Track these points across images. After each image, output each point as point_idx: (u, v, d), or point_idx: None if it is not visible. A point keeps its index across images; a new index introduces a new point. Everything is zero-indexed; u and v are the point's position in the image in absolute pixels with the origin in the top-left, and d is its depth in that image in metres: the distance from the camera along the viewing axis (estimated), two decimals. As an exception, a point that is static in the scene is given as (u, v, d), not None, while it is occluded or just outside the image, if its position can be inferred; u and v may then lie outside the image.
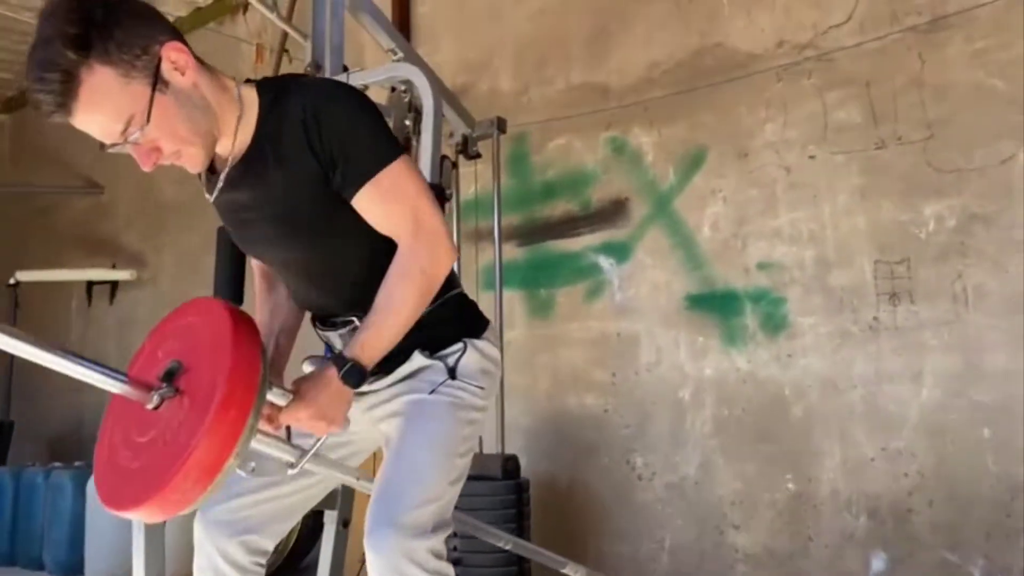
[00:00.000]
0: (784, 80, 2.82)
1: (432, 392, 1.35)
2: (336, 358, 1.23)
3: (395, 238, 1.29)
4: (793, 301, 2.74)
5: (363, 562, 2.67)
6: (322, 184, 1.28)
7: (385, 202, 1.27)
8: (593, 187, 3.23)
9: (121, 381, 1.13)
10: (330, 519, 2.27)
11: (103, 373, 1.13)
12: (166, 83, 1.19)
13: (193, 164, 1.26)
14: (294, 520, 1.56)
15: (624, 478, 3.02)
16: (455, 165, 3.02)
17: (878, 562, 2.50)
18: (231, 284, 2.70)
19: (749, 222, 2.85)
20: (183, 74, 1.20)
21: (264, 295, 1.52)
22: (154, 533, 1.92)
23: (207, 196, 1.37)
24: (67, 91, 1.13)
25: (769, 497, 2.71)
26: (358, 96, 1.30)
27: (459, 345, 1.41)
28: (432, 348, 1.40)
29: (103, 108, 1.15)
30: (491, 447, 3.08)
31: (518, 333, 3.32)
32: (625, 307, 3.08)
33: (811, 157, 2.75)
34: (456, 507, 2.62)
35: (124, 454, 1.18)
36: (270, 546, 1.51)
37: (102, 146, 1.22)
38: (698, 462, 2.82)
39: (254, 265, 1.54)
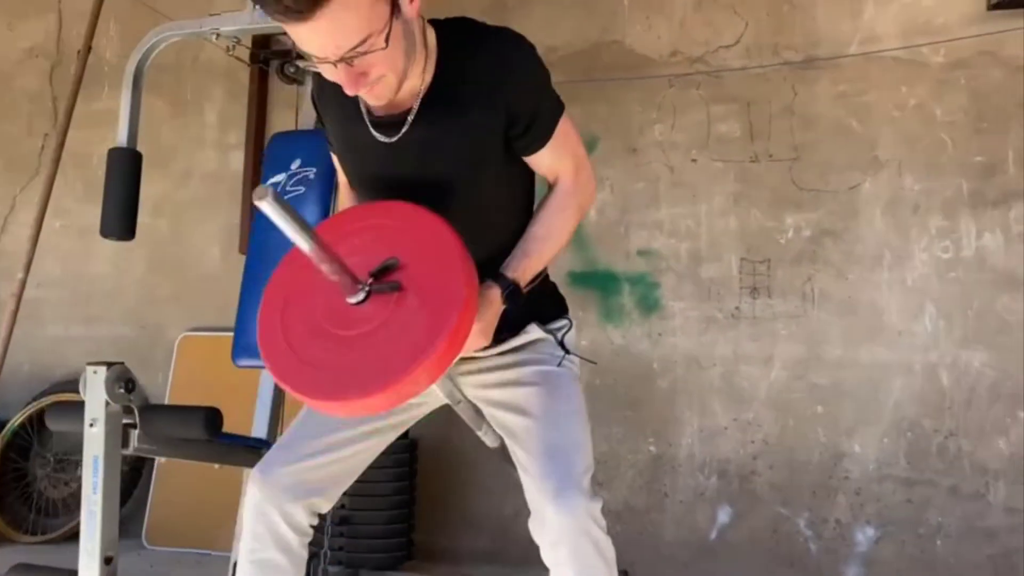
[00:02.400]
0: (675, 87, 3.12)
1: (559, 364, 1.42)
2: (499, 278, 1.30)
3: (556, 177, 1.40)
4: (667, 287, 3.07)
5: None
6: (498, 136, 1.32)
7: (557, 150, 1.37)
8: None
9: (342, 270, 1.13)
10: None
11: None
12: (399, 10, 1.17)
13: (385, 95, 1.26)
14: (351, 482, 1.54)
15: (494, 439, 3.17)
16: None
17: (723, 516, 2.93)
18: (124, 210, 2.42)
19: (633, 212, 3.13)
20: (411, 3, 1.18)
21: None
22: (111, 493, 1.73)
23: (374, 136, 1.32)
24: None
25: (632, 458, 3.04)
26: (534, 49, 1.34)
27: (565, 321, 1.50)
28: (544, 321, 1.47)
29: (347, 20, 1.12)
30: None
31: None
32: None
33: (693, 160, 3.09)
34: None
35: (321, 347, 1.17)
36: (327, 508, 1.49)
37: (297, 57, 1.19)
38: (567, 426, 3.06)
39: (343, 186, 1.57)
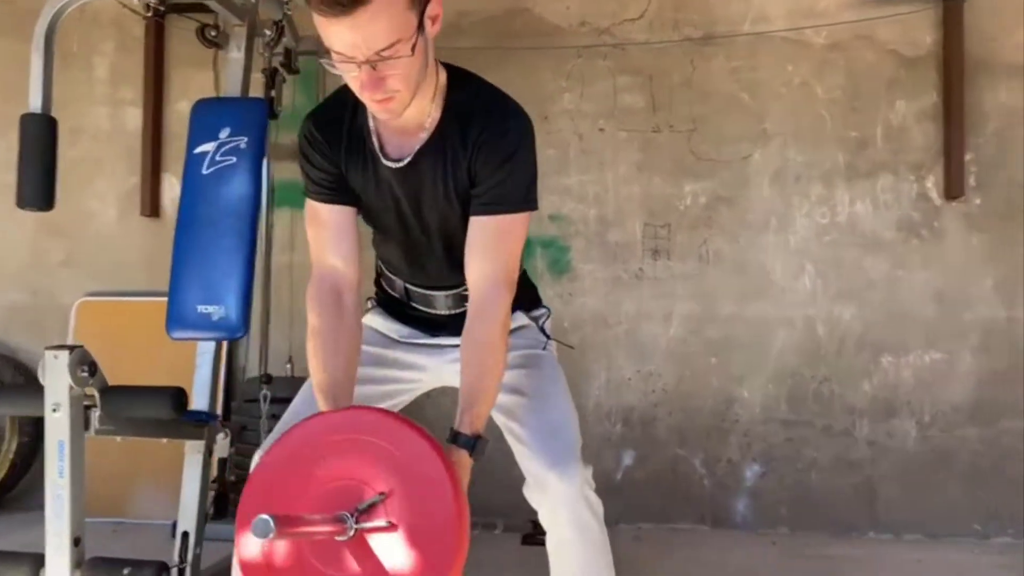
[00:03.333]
0: (583, 57, 3.26)
1: (543, 349, 1.56)
2: (459, 439, 1.31)
3: (476, 264, 1.40)
4: (576, 250, 3.26)
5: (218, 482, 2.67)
6: (468, 193, 1.41)
7: (496, 238, 1.40)
8: (394, 122, 3.34)
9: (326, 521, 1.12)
10: (194, 448, 2.24)
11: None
12: (422, 27, 1.24)
13: (396, 111, 1.32)
14: None
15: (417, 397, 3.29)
16: (284, 80, 2.90)
17: (628, 458, 3.20)
18: (42, 179, 2.32)
19: (544, 178, 3.22)
20: (433, 25, 1.25)
21: (335, 335, 1.45)
22: (77, 476, 1.74)
23: (384, 162, 1.39)
24: None
25: (544, 411, 3.24)
26: (530, 132, 1.44)
27: (544, 309, 1.64)
28: (526, 309, 1.60)
29: (383, 21, 1.19)
30: (280, 369, 3.12)
31: (301, 257, 3.32)
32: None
33: (601, 130, 3.26)
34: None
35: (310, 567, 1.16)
36: None
37: (318, 54, 1.27)
38: (482, 382, 3.22)
39: (321, 281, 1.48)
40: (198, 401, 2.35)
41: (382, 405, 1.57)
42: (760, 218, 3.19)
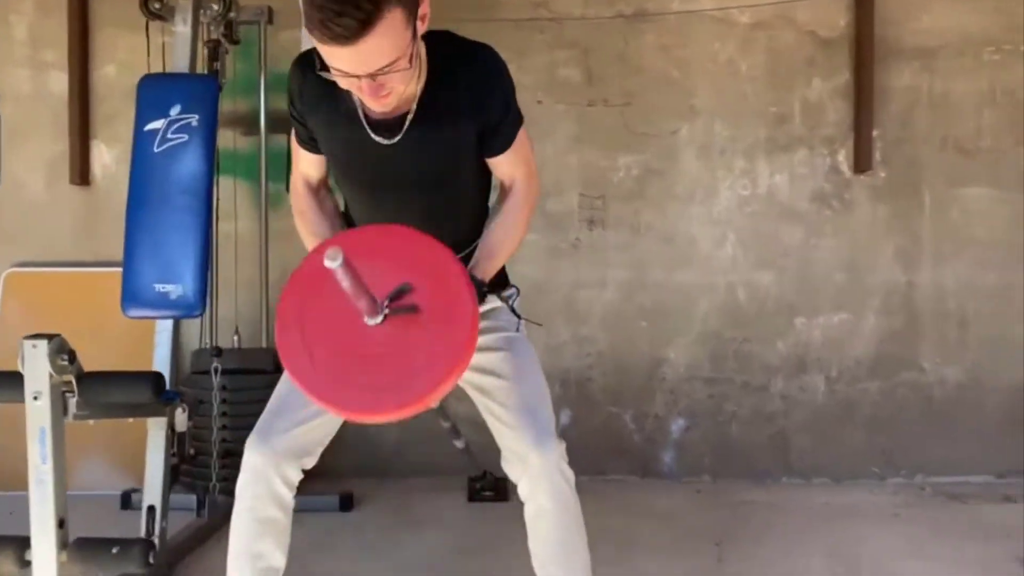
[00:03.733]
0: (522, 31, 3.34)
1: (517, 330, 1.69)
2: (475, 281, 1.49)
3: (511, 180, 1.63)
4: (515, 219, 3.37)
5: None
6: (473, 139, 1.55)
7: (515, 155, 1.61)
8: (334, 91, 3.35)
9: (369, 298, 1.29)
10: (157, 424, 2.30)
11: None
12: (415, 33, 1.33)
13: (392, 103, 1.43)
14: (330, 439, 1.72)
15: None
16: (227, 51, 2.87)
17: (564, 418, 3.39)
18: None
19: (484, 148, 3.36)
20: (423, 24, 1.36)
21: (319, 209, 1.69)
22: (59, 461, 1.78)
23: (372, 137, 1.49)
24: (369, 22, 1.25)
25: (485, 374, 3.39)
26: (506, 67, 1.56)
27: (513, 289, 1.75)
28: (497, 290, 1.72)
29: (385, 44, 1.28)
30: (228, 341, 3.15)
31: (245, 225, 3.33)
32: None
33: (539, 102, 3.36)
34: (240, 401, 2.96)
35: (349, 366, 1.35)
36: (312, 465, 1.68)
37: (320, 69, 1.35)
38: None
39: (301, 183, 1.70)
40: (158, 379, 2.39)
41: None
42: (687, 190, 3.38)
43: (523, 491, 1.59)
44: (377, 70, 1.29)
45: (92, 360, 2.50)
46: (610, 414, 3.41)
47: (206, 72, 2.69)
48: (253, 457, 1.57)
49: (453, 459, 3.00)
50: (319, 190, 1.71)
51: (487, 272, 1.56)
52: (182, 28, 2.46)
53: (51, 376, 1.74)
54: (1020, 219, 3.36)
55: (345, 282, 1.22)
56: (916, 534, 2.81)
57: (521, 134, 1.60)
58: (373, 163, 1.54)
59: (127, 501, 2.93)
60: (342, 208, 1.79)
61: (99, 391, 1.83)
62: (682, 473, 3.41)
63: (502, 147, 1.57)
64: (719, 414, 3.43)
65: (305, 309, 1.39)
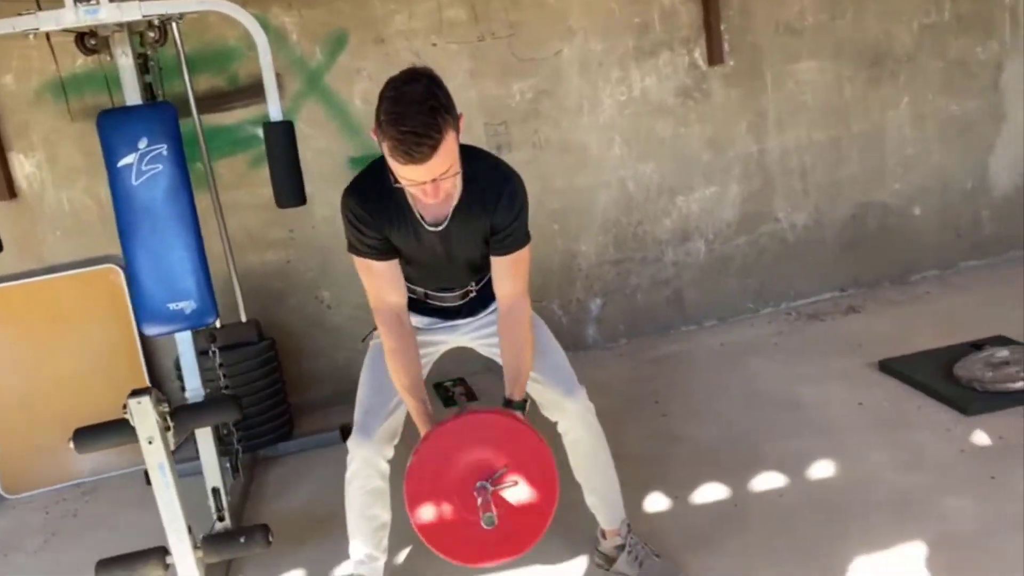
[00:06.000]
0: (406, -21, 3.55)
1: (531, 310, 2.19)
2: (517, 404, 1.96)
3: (507, 293, 2.01)
4: (431, 155, 3.73)
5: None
6: (487, 234, 1.98)
7: (514, 267, 2.01)
8: (239, 63, 3.48)
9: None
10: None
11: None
12: (457, 141, 1.72)
13: (446, 200, 1.81)
14: None
15: (315, 310, 3.77)
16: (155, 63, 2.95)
17: (503, 317, 3.95)
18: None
19: (391, 96, 3.63)
20: (461, 129, 1.73)
21: (407, 352, 2.01)
22: (176, 482, 2.16)
23: (427, 227, 1.88)
24: (436, 144, 1.66)
25: (429, 295, 3.85)
26: (523, 186, 2.00)
27: None
28: None
29: (445, 158, 1.70)
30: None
31: (198, 204, 3.49)
32: (291, 172, 3.60)
33: (433, 45, 3.64)
34: (236, 374, 3.45)
35: (469, 522, 1.79)
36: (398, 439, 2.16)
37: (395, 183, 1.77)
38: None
39: (388, 314, 2.02)
40: (190, 381, 2.73)
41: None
42: (575, 104, 3.84)
43: (562, 427, 2.15)
44: (439, 175, 1.69)
45: (67, 365, 2.82)
46: (539, 307, 3.97)
47: (139, 87, 2.79)
48: (360, 451, 2.04)
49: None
50: (401, 317, 2.00)
51: (522, 390, 1.97)
52: (124, 60, 2.57)
53: (158, 422, 2.10)
54: (839, 84, 4.07)
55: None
56: (790, 360, 3.63)
57: (524, 251, 2.00)
58: (427, 245, 1.97)
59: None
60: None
61: (189, 422, 2.20)
62: (604, 342, 4.10)
63: (504, 251, 1.97)
64: (626, 287, 4.09)
65: (437, 489, 1.80)
